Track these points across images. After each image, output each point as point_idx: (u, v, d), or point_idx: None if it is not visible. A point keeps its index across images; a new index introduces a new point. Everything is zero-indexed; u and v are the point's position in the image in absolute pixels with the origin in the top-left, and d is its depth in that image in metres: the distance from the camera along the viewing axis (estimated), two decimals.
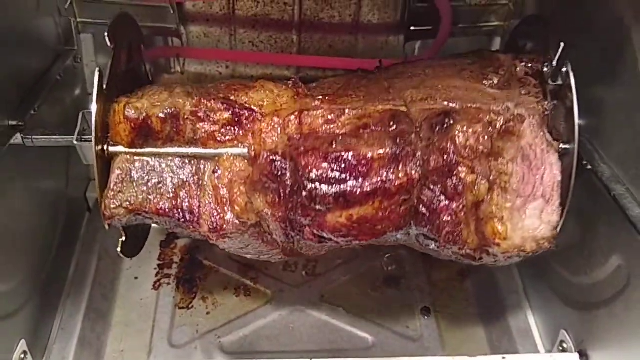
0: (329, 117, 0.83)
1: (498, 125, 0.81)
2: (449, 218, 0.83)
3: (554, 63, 0.87)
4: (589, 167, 0.94)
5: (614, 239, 0.92)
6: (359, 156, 0.80)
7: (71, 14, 1.22)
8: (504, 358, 1.02)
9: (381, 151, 0.80)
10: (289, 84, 0.91)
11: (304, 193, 0.82)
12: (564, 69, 0.86)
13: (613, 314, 0.92)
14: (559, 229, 0.85)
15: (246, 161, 0.86)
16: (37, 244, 1.11)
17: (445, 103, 0.84)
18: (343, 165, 0.80)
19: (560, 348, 1.06)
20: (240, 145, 0.87)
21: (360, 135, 0.81)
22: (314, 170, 0.81)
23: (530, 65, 0.91)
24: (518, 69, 0.92)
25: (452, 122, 0.81)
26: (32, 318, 1.06)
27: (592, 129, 0.96)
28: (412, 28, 1.24)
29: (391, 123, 0.82)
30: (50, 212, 1.18)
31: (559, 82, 0.87)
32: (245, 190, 0.86)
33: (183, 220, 0.88)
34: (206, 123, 0.87)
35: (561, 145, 0.86)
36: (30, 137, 0.96)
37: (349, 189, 0.81)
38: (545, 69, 0.89)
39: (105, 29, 0.88)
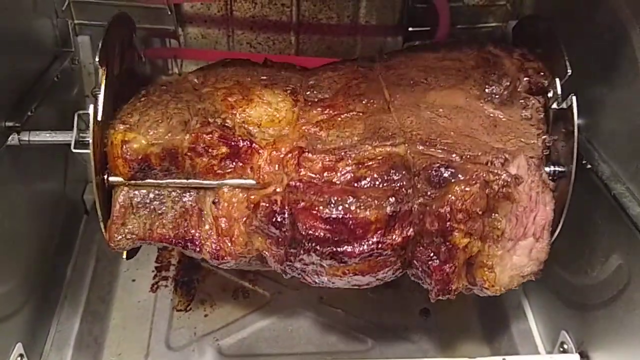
0: (328, 163, 0.82)
1: (495, 187, 0.81)
2: (441, 276, 0.84)
3: (559, 90, 0.89)
4: (589, 166, 0.94)
5: (614, 238, 0.91)
6: (356, 220, 0.80)
7: (68, 16, 1.21)
8: (504, 359, 1.02)
9: (378, 214, 0.80)
10: (287, 90, 0.92)
11: (302, 249, 0.84)
12: (568, 102, 0.88)
13: (614, 314, 0.92)
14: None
15: (246, 194, 0.87)
16: (34, 246, 1.10)
17: (443, 155, 0.82)
18: (341, 229, 0.81)
19: (561, 349, 1.06)
20: (239, 177, 0.87)
21: (358, 191, 0.81)
22: (313, 231, 0.81)
23: (534, 79, 0.92)
24: (522, 83, 0.92)
25: (450, 178, 0.81)
26: (29, 321, 1.06)
27: (591, 127, 0.96)
28: (410, 29, 1.24)
29: (389, 175, 0.81)
30: (47, 214, 1.17)
31: (562, 106, 0.89)
32: (245, 231, 0.87)
33: (185, 247, 0.91)
34: (205, 157, 0.86)
35: (558, 169, 0.89)
36: (27, 137, 0.96)
37: (346, 250, 0.82)
38: (549, 94, 0.91)
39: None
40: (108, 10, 1.19)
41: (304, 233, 0.81)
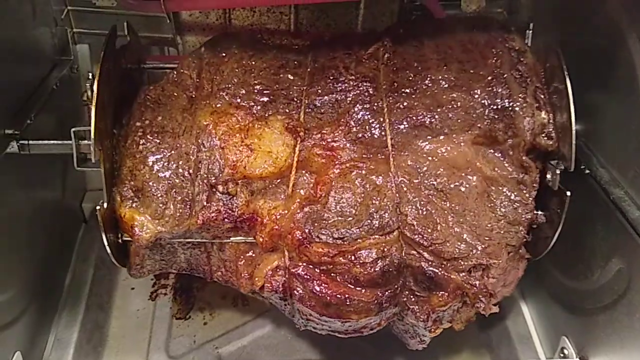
0: (325, 259, 0.87)
1: (472, 297, 0.90)
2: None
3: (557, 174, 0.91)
4: (587, 171, 0.94)
5: (614, 242, 0.92)
6: (349, 321, 0.91)
7: (67, 24, 1.22)
8: None
9: (368, 313, 0.90)
10: (288, 126, 0.91)
11: (300, 321, 0.97)
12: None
13: (615, 319, 0.92)
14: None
15: (250, 245, 0.95)
16: (32, 255, 1.10)
17: (431, 258, 0.88)
18: (333, 319, 0.91)
19: (562, 354, 1.06)
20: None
21: (352, 294, 0.88)
22: (309, 317, 0.93)
23: (542, 143, 0.92)
24: (527, 143, 0.92)
25: (432, 288, 0.90)
26: (28, 329, 1.05)
27: (589, 132, 0.96)
28: None
29: (382, 279, 0.87)
30: (46, 223, 1.17)
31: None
32: (250, 289, 0.97)
33: (199, 276, 1.03)
34: (211, 231, 0.92)
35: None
36: (26, 145, 0.96)
37: (338, 330, 0.96)
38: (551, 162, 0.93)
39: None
40: (107, 19, 1.19)
41: (302, 317, 0.95)
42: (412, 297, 0.92)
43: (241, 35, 1.01)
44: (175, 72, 0.98)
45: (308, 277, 0.89)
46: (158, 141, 0.91)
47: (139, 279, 1.01)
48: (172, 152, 0.90)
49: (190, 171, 0.90)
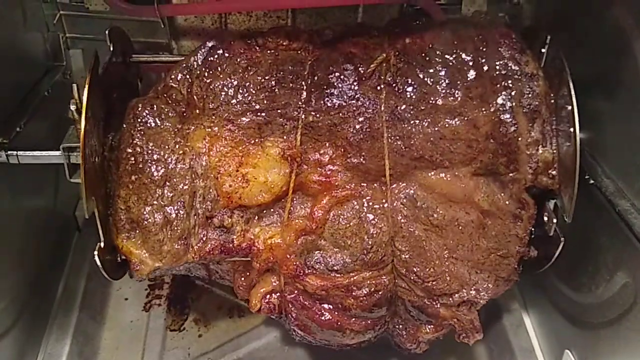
0: (321, 293, 0.89)
1: (459, 329, 0.93)
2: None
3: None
4: (592, 181, 0.91)
5: (619, 255, 0.89)
6: (341, 344, 0.98)
7: (60, 30, 1.20)
8: None
9: (358, 340, 0.96)
10: (285, 155, 0.88)
11: (296, 337, 0.99)
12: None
13: (620, 334, 0.89)
14: None
15: (247, 262, 0.94)
16: (23, 265, 1.08)
17: (423, 294, 0.89)
18: (326, 343, 0.98)
19: None
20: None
21: (344, 324, 0.92)
22: (305, 337, 0.97)
23: (543, 183, 0.89)
24: (528, 181, 0.89)
25: (423, 319, 0.93)
26: (18, 342, 1.03)
27: (594, 141, 0.94)
28: None
29: (373, 312, 0.91)
30: (38, 232, 1.15)
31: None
32: (246, 298, 0.98)
33: (198, 276, 1.05)
34: (207, 260, 0.91)
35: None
36: (15, 154, 0.93)
37: (331, 345, 0.99)
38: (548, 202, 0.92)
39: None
40: (100, 23, 1.17)
41: (298, 335, 0.97)
42: (400, 325, 0.96)
43: (234, 46, 0.92)
44: (163, 85, 0.92)
45: (302, 305, 0.91)
46: (151, 173, 0.87)
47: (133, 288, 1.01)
48: (167, 184, 0.87)
49: (185, 204, 0.88)
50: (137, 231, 0.88)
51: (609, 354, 0.92)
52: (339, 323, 0.91)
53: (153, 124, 0.88)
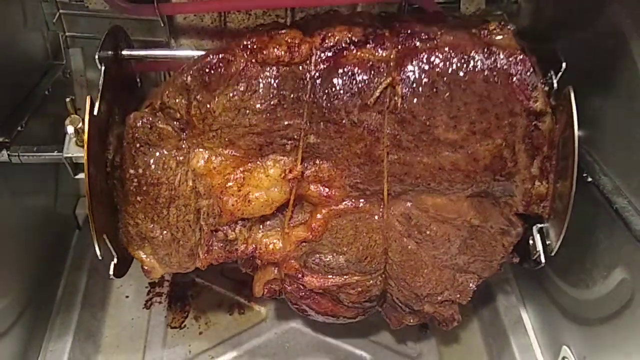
0: (317, 292, 1.00)
1: (440, 324, 1.06)
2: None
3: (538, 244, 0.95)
4: (590, 179, 0.92)
5: (617, 252, 0.90)
6: (335, 323, 1.09)
7: (59, 28, 1.20)
8: None
9: (352, 319, 1.07)
10: (286, 176, 0.89)
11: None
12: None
13: (617, 330, 0.90)
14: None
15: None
16: (24, 264, 1.08)
17: (408, 294, 1.00)
18: (325, 320, 1.08)
19: None
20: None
21: (337, 311, 1.03)
22: (305, 313, 1.06)
23: (534, 209, 0.92)
24: (521, 205, 0.92)
25: (406, 313, 1.05)
26: (20, 340, 1.03)
27: (591, 139, 0.94)
28: None
29: (362, 304, 1.02)
30: (38, 230, 1.15)
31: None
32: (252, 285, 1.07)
33: None
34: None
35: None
36: (16, 154, 0.94)
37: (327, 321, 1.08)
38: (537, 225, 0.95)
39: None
40: (100, 22, 1.17)
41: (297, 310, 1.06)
42: (388, 310, 1.07)
43: (232, 64, 0.85)
44: (160, 102, 0.88)
45: (300, 295, 1.01)
46: (156, 195, 0.89)
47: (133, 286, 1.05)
48: (171, 205, 0.90)
49: (191, 222, 0.92)
50: (147, 244, 0.93)
51: (607, 350, 0.94)
52: (333, 311, 1.02)
53: (153, 145, 0.88)
